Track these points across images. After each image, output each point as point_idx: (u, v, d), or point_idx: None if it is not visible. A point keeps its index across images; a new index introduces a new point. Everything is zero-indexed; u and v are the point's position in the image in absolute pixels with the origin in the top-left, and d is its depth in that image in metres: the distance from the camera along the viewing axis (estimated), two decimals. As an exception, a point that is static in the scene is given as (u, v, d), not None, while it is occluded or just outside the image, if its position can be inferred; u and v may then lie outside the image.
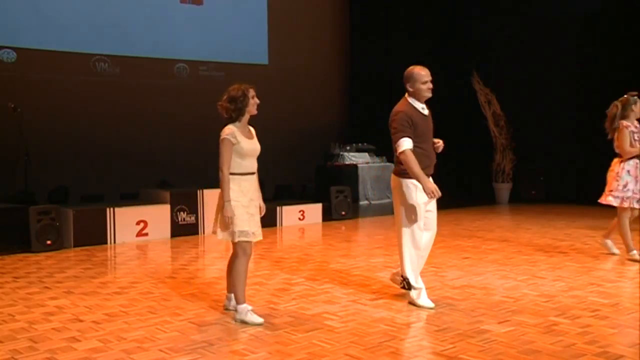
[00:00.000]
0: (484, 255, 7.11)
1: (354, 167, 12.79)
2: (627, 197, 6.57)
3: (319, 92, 13.94)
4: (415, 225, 4.93)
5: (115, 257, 7.51)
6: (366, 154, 13.21)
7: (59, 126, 10.67)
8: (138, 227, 8.37)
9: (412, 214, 4.91)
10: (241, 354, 3.96)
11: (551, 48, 12.22)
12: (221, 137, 4.56)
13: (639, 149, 6.54)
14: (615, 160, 6.70)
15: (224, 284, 5.85)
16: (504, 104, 12.61)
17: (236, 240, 4.57)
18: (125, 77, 11.54)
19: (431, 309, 4.89)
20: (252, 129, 4.77)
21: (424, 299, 5.00)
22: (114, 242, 8.17)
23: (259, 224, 4.71)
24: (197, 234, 8.81)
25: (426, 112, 5.01)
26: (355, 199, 12.15)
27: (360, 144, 13.32)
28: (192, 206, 8.85)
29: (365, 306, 5.03)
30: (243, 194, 4.58)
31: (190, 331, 4.41)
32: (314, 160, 13.20)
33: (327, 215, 10.22)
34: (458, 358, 3.85)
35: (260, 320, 4.56)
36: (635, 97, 6.59)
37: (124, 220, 8.26)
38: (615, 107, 6.66)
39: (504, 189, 12.74)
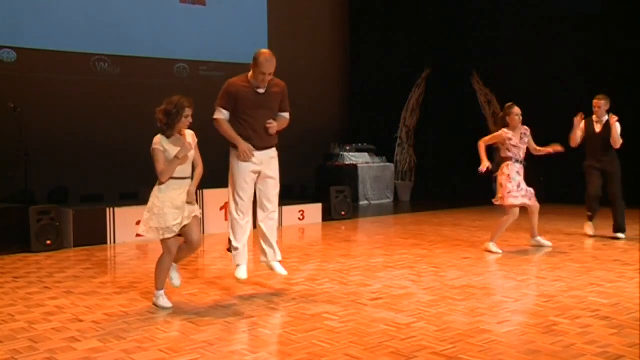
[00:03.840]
0: (483, 255, 7.11)
1: (354, 167, 12.79)
2: (523, 195, 7.34)
3: (319, 92, 13.92)
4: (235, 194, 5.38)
5: (115, 257, 7.52)
6: (366, 154, 13.20)
7: (59, 126, 10.66)
8: (138, 227, 8.35)
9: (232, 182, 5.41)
10: (241, 354, 3.95)
11: (551, 48, 12.22)
12: (152, 148, 4.87)
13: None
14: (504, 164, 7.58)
15: (223, 283, 5.88)
16: (504, 104, 12.58)
17: (162, 237, 5.11)
18: (125, 77, 11.53)
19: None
20: (189, 132, 5.02)
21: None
22: (114, 242, 8.18)
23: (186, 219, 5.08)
24: (197, 234, 8.79)
25: (261, 90, 5.26)
26: (355, 199, 12.15)
27: (360, 144, 13.32)
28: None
29: (365, 306, 5.03)
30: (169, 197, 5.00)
31: (190, 331, 4.41)
32: (314, 160, 13.18)
33: (327, 216, 10.22)
34: (458, 358, 3.85)
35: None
36: (511, 109, 7.65)
37: (124, 220, 8.25)
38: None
39: (504, 189, 12.72)
